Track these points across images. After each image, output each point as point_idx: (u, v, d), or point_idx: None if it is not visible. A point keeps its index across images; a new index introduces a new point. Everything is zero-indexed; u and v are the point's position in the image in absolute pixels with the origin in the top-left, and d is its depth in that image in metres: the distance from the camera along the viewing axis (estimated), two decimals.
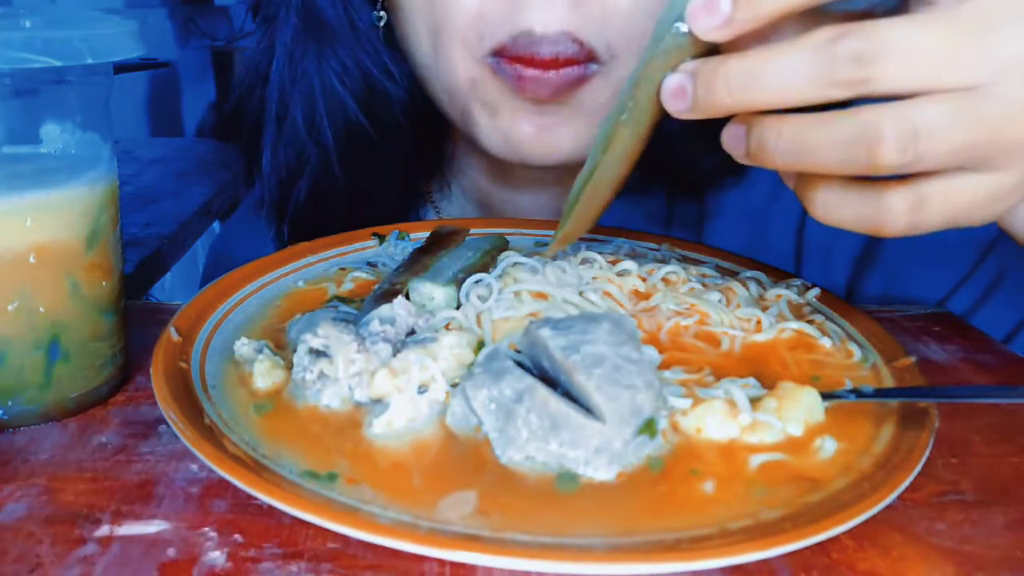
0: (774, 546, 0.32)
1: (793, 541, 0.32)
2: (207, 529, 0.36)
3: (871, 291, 0.70)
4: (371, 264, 0.60)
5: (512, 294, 0.50)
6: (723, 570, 0.34)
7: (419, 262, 0.55)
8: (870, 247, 0.70)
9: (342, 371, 0.42)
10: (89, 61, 0.40)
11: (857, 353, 0.49)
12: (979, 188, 0.37)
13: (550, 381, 0.40)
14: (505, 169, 0.73)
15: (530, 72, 0.57)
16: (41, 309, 0.43)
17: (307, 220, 0.72)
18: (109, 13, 0.51)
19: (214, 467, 0.35)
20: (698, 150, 0.67)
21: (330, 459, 0.38)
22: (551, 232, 0.66)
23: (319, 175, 0.71)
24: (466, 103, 0.62)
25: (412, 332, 0.47)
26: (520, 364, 0.41)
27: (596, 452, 0.37)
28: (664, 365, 0.46)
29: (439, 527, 0.34)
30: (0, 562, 0.34)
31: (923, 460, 0.38)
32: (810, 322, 0.52)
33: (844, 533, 0.34)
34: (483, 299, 0.50)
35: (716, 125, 0.41)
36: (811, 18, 0.37)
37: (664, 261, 0.59)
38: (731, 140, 0.40)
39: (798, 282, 0.58)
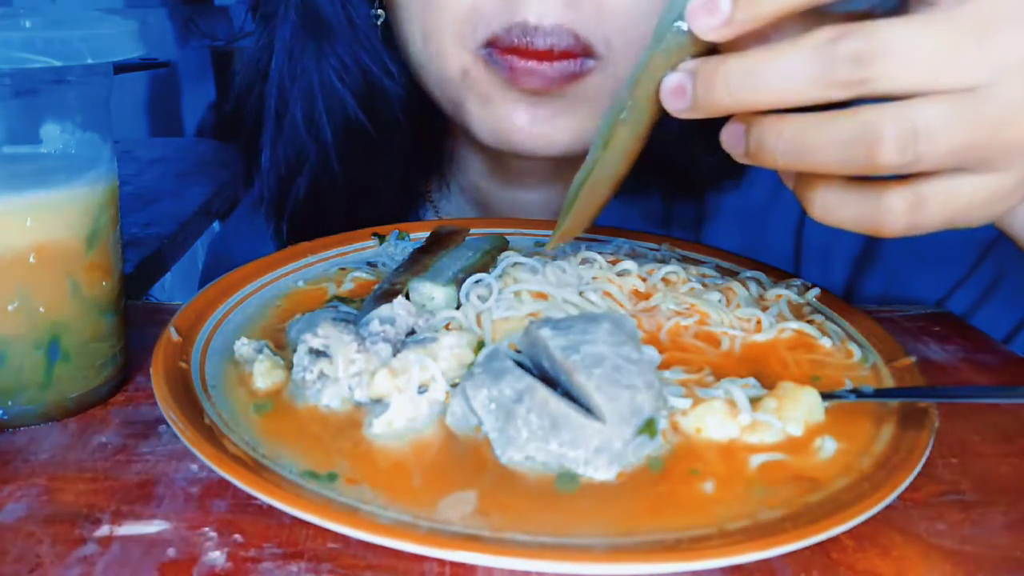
0: (774, 546, 0.32)
1: (793, 541, 0.32)
2: (207, 529, 0.36)
3: (870, 291, 0.70)
4: (371, 264, 0.60)
5: (512, 294, 0.50)
6: (723, 570, 0.34)
7: (419, 262, 0.55)
8: (869, 248, 0.70)
9: (342, 371, 0.42)
10: (89, 61, 0.40)
11: (857, 353, 0.49)
12: (978, 189, 0.37)
13: (550, 381, 0.40)
14: (504, 166, 0.73)
15: (523, 64, 0.57)
16: (41, 309, 0.43)
17: (306, 218, 0.72)
18: (109, 13, 0.51)
19: (214, 467, 0.35)
20: (697, 151, 0.67)
21: (330, 459, 0.38)
22: (551, 232, 0.67)
23: (318, 172, 0.71)
24: (458, 94, 0.62)
25: (412, 332, 0.47)
26: (520, 364, 0.41)
27: (596, 452, 0.37)
28: (664, 365, 0.46)
29: (439, 527, 0.34)
30: (0, 562, 0.34)
31: (923, 460, 0.38)
32: (810, 322, 0.52)
33: (844, 533, 0.34)
34: (483, 299, 0.50)
35: (715, 125, 0.41)
36: (811, 18, 0.37)
37: (664, 261, 0.59)
38: (730, 139, 0.40)
39: (798, 282, 0.58)
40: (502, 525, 0.34)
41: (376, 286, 0.53)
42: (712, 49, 0.39)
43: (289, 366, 0.44)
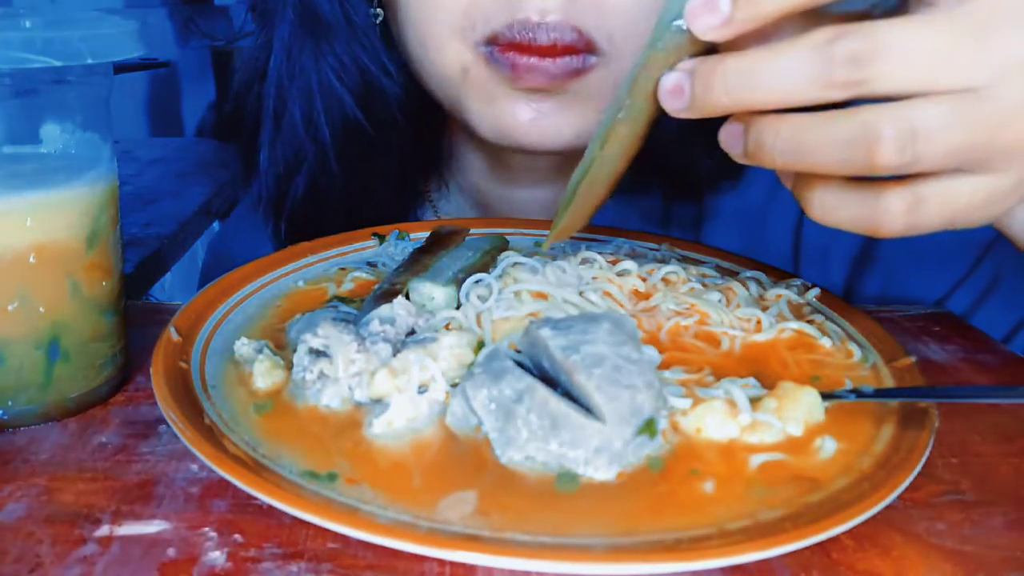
0: (774, 546, 0.32)
1: (793, 541, 0.32)
2: (207, 529, 0.36)
3: (869, 292, 0.70)
4: (371, 264, 0.60)
5: (512, 294, 0.50)
6: (723, 570, 0.34)
7: (419, 262, 0.55)
8: (868, 248, 0.70)
9: (342, 371, 0.42)
10: (89, 61, 0.40)
11: (857, 353, 0.49)
12: (977, 189, 0.37)
13: (550, 381, 0.40)
14: (504, 164, 0.73)
15: (525, 60, 0.57)
16: (41, 309, 0.43)
17: (304, 218, 0.72)
18: (109, 13, 0.51)
19: (214, 467, 0.35)
20: (696, 151, 0.67)
21: (330, 459, 0.38)
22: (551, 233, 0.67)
23: (316, 172, 0.71)
24: (458, 92, 0.62)
25: (412, 332, 0.47)
26: (520, 364, 0.41)
27: (596, 452, 0.37)
28: (664, 365, 0.46)
29: (439, 527, 0.34)
30: (0, 562, 0.34)
31: (923, 460, 0.38)
32: (810, 322, 0.52)
33: (844, 533, 0.34)
34: (483, 299, 0.50)
35: (713, 126, 0.41)
36: (810, 18, 0.37)
37: (664, 261, 0.59)
38: (729, 139, 0.40)
39: (798, 282, 0.58)
40: (502, 525, 0.34)
41: (376, 286, 0.53)
42: (711, 48, 0.39)
43: (289, 366, 0.44)
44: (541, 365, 0.41)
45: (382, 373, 0.42)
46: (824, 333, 0.51)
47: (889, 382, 0.47)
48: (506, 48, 0.57)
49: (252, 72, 0.71)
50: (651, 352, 0.46)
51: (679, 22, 0.38)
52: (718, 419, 0.40)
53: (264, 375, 0.44)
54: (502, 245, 0.59)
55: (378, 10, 0.67)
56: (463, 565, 0.34)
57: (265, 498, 0.34)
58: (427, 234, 0.61)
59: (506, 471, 0.38)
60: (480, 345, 0.46)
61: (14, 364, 0.43)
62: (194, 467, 0.40)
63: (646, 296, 0.53)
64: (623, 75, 0.43)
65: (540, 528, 0.34)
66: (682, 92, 0.39)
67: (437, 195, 0.81)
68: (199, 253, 1.27)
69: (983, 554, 0.36)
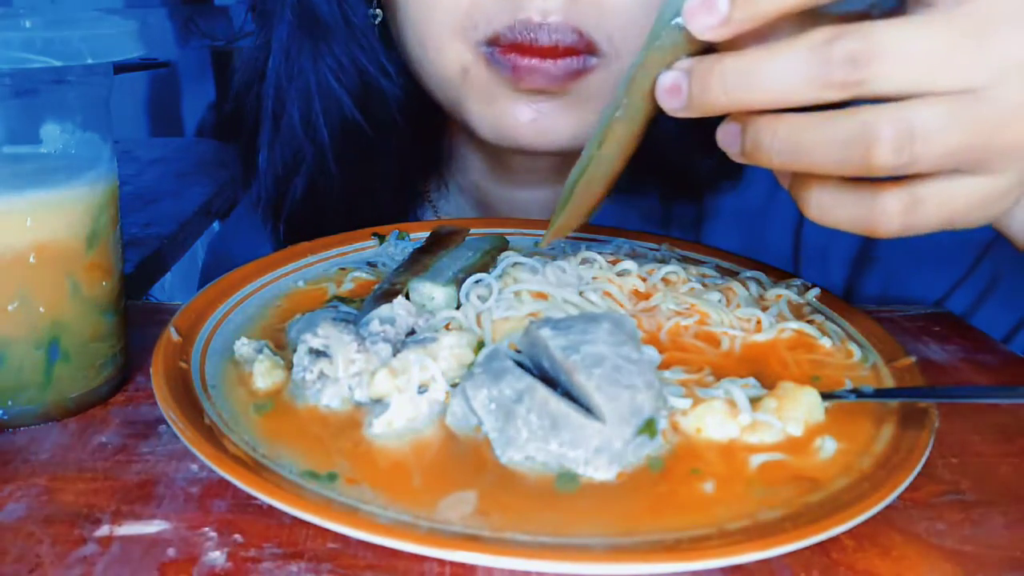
0: (774, 546, 0.32)
1: (793, 541, 0.32)
2: (207, 529, 0.36)
3: (869, 292, 0.70)
4: (371, 264, 0.60)
5: (512, 294, 0.50)
6: (723, 570, 0.34)
7: (419, 262, 0.55)
8: (867, 248, 0.70)
9: (342, 371, 0.42)
10: (89, 61, 0.40)
11: (857, 353, 0.49)
12: (974, 191, 0.37)
13: (550, 381, 0.40)
14: (504, 165, 0.73)
15: (526, 62, 0.57)
16: (41, 309, 0.43)
17: (303, 218, 0.72)
18: (109, 13, 0.51)
19: (214, 467, 0.35)
20: (695, 152, 0.67)
21: (330, 459, 0.38)
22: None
23: (315, 173, 0.71)
24: (458, 93, 0.62)
25: (412, 332, 0.47)
26: (520, 364, 0.41)
27: (596, 452, 0.37)
28: (664, 365, 0.46)
29: (439, 527, 0.34)
30: (0, 562, 0.34)
31: (923, 460, 0.38)
32: (810, 322, 0.52)
33: (844, 533, 0.34)
34: (483, 299, 0.50)
35: (712, 126, 0.41)
36: (809, 19, 0.37)
37: (664, 261, 0.59)
38: (726, 138, 0.40)
39: (798, 282, 0.58)
40: (502, 525, 0.34)
41: (376, 286, 0.53)
42: (709, 47, 0.39)
43: (289, 366, 0.44)
44: (541, 365, 0.41)
45: (382, 373, 0.42)
46: (824, 333, 0.51)
47: (889, 382, 0.47)
48: (507, 49, 0.57)
49: (251, 73, 0.71)
50: (651, 352, 0.46)
51: (677, 20, 0.38)
52: (718, 419, 0.40)
53: (264, 375, 0.44)
54: (502, 245, 0.59)
55: (377, 10, 0.67)
56: (463, 565, 0.34)
57: (265, 498, 0.34)
58: (427, 234, 0.61)
59: (506, 471, 0.38)
60: (480, 345, 0.46)
61: (14, 364, 0.43)
62: (194, 467, 0.40)
63: (646, 296, 0.53)
64: (623, 76, 0.43)
65: (540, 528, 0.34)
66: (679, 91, 0.39)
67: (437, 195, 0.81)
68: (199, 253, 1.27)
69: (983, 554, 0.36)
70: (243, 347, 0.46)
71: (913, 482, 0.37)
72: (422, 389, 0.42)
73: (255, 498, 0.34)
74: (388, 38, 0.68)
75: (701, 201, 0.75)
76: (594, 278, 0.53)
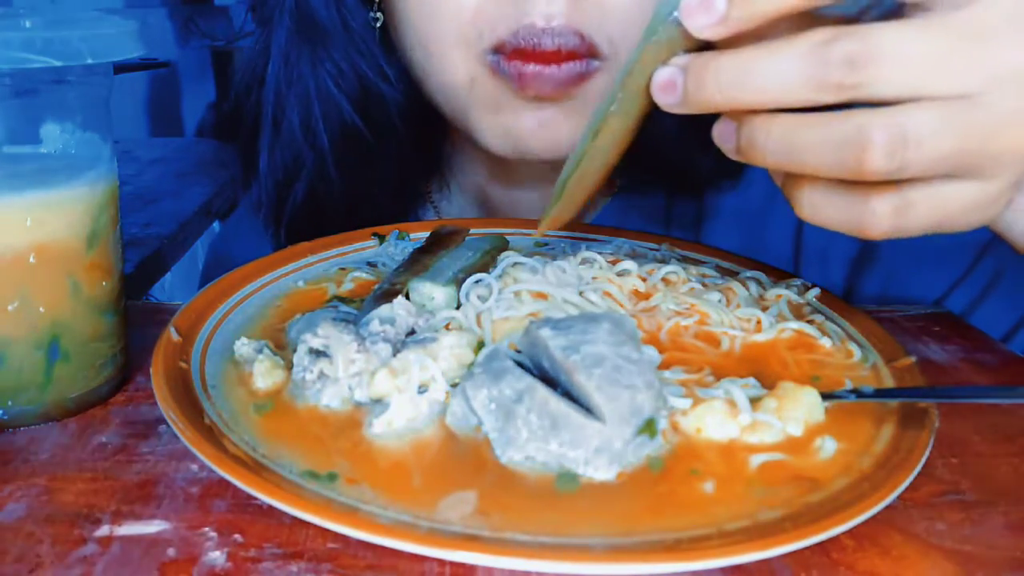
0: (774, 546, 0.32)
1: (793, 541, 0.32)
2: (207, 529, 0.36)
3: (869, 291, 0.70)
4: (371, 264, 0.60)
5: (512, 294, 0.50)
6: (723, 570, 0.34)
7: (419, 262, 0.55)
8: (867, 248, 0.70)
9: (342, 371, 0.42)
10: (89, 61, 0.40)
11: (857, 353, 0.49)
12: (965, 195, 0.37)
13: (550, 381, 0.40)
14: (505, 167, 0.73)
15: (531, 68, 0.57)
16: (41, 309, 0.43)
17: (304, 223, 0.72)
18: (109, 13, 0.51)
19: (214, 467, 0.35)
20: (695, 150, 0.67)
21: (330, 459, 0.38)
22: (551, 232, 0.67)
23: (315, 178, 0.71)
24: (464, 102, 0.62)
25: (412, 332, 0.47)
26: (520, 364, 0.41)
27: (596, 452, 0.37)
28: (664, 365, 0.46)
29: (439, 527, 0.34)
30: (0, 562, 0.34)
31: (923, 460, 0.38)
32: (810, 322, 0.52)
33: (844, 533, 0.34)
34: (483, 299, 0.50)
35: (712, 125, 0.41)
36: (807, 21, 0.37)
37: (664, 261, 0.59)
38: (721, 135, 0.40)
39: (798, 282, 0.58)
40: (502, 525, 0.34)
41: (376, 286, 0.53)
42: (705, 44, 0.39)
43: (289, 366, 0.44)
44: (541, 365, 0.41)
45: (382, 373, 0.42)
46: (824, 333, 0.51)
47: (889, 382, 0.47)
48: (512, 56, 0.57)
49: (250, 77, 0.71)
50: (651, 352, 0.46)
51: (675, 15, 0.38)
52: (718, 419, 0.40)
53: (264, 375, 0.44)
54: (502, 245, 0.59)
55: (377, 14, 0.67)
56: (463, 565, 0.34)
57: (265, 498, 0.34)
58: (427, 234, 0.61)
59: (506, 471, 0.38)
60: (480, 345, 0.46)
61: (14, 364, 0.43)
62: (194, 467, 0.40)
63: (646, 296, 0.53)
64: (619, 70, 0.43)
65: (540, 528, 0.34)
66: (674, 87, 0.39)
67: (439, 196, 0.81)
68: (199, 253, 1.27)
69: (983, 554, 0.36)
70: (243, 347, 0.46)
71: (913, 482, 0.37)
72: (422, 389, 0.42)
73: (255, 498, 0.34)
74: (388, 42, 0.68)
75: (701, 199, 0.75)
76: (594, 278, 0.53)
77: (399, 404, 0.41)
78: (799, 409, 0.41)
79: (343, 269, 0.59)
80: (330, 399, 0.42)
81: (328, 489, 0.36)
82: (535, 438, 0.38)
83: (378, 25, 0.68)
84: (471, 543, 0.32)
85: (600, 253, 0.56)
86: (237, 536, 0.35)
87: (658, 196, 0.76)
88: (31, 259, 0.42)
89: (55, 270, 0.43)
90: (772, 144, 0.37)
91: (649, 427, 0.39)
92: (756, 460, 0.39)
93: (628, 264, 0.55)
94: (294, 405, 0.42)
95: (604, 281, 0.53)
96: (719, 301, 0.53)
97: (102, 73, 0.45)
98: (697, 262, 0.62)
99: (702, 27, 0.37)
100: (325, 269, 0.59)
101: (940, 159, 0.35)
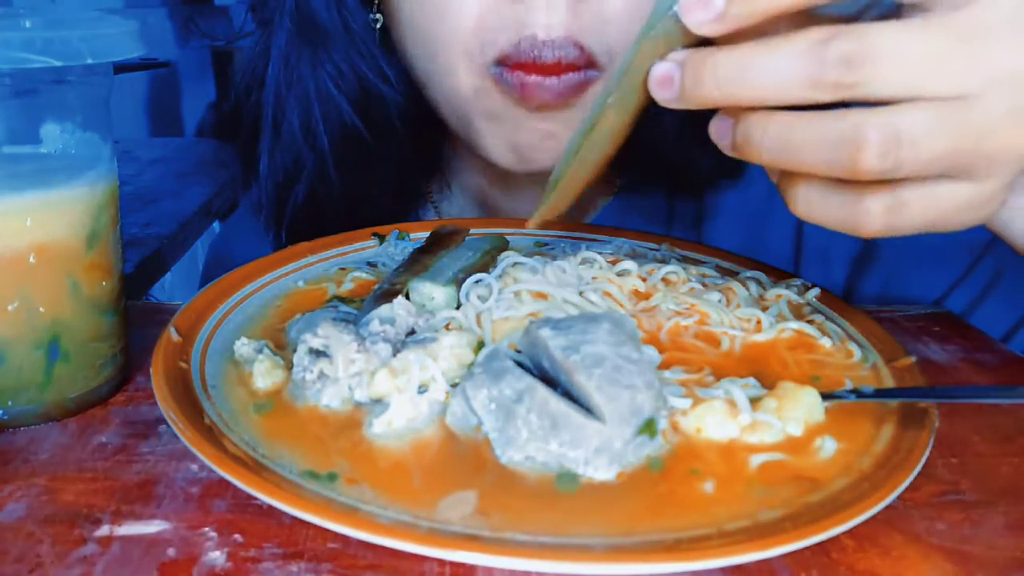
0: (774, 546, 0.32)
1: (793, 541, 0.32)
2: (207, 529, 0.36)
3: (869, 291, 0.70)
4: (371, 264, 0.60)
5: (512, 294, 0.50)
6: (723, 570, 0.34)
7: (419, 262, 0.55)
8: (868, 247, 0.70)
9: (342, 371, 0.42)
10: (89, 61, 0.40)
11: (857, 353, 0.49)
12: (958, 195, 0.37)
13: (550, 381, 0.40)
14: (505, 170, 0.73)
15: (533, 79, 0.57)
16: (41, 309, 0.43)
17: (304, 225, 0.72)
18: (109, 13, 0.51)
19: (214, 467, 0.35)
20: (696, 150, 0.67)
21: (330, 459, 0.38)
22: (551, 232, 0.67)
23: (315, 180, 0.71)
24: (467, 112, 0.62)
25: (412, 332, 0.47)
26: (520, 364, 0.41)
27: (596, 452, 0.37)
28: (664, 365, 0.46)
29: (439, 527, 0.34)
30: (0, 562, 0.34)
31: (923, 460, 0.38)
32: (810, 322, 0.52)
33: (844, 533, 0.34)
34: (483, 299, 0.50)
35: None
36: (805, 20, 0.37)
37: (664, 261, 0.59)
38: (718, 131, 0.40)
39: (798, 282, 0.58)
40: (502, 525, 0.34)
41: (376, 286, 0.53)
42: (704, 40, 0.39)
43: (289, 366, 0.44)
44: (541, 365, 0.41)
45: (382, 373, 0.42)
46: (824, 333, 0.51)
47: (889, 382, 0.47)
48: (514, 67, 0.57)
49: (250, 78, 0.71)
50: (651, 352, 0.46)
51: (674, 10, 0.38)
52: (718, 419, 0.40)
53: (264, 375, 0.44)
54: (502, 245, 0.59)
55: (378, 15, 0.67)
56: (463, 565, 0.34)
57: (265, 498, 0.34)
58: (427, 234, 0.61)
59: (506, 471, 0.38)
60: (480, 345, 0.46)
61: (14, 364, 0.43)
62: (194, 467, 0.40)
63: (646, 296, 0.53)
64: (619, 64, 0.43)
65: (540, 528, 0.34)
66: (671, 82, 0.39)
67: (439, 196, 0.81)
68: (199, 253, 1.27)
69: (983, 554, 0.36)
70: (243, 347, 0.46)
71: (913, 482, 0.37)
72: (422, 389, 0.42)
73: (255, 498, 0.34)
74: (388, 43, 0.68)
75: (702, 199, 0.75)
76: (594, 278, 0.53)
77: (399, 404, 0.41)
78: (799, 409, 0.41)
79: (343, 269, 0.59)
80: (330, 399, 0.42)
81: (328, 489, 0.36)
82: (535, 438, 0.38)
83: (378, 26, 0.68)
84: (471, 543, 0.32)
85: (600, 253, 0.56)
86: (237, 536, 0.35)
87: (658, 196, 0.76)
88: (31, 259, 0.42)
89: (55, 270, 0.43)
90: (768, 141, 0.37)
91: (649, 427, 0.39)
92: (756, 460, 0.39)
93: (628, 264, 0.55)
94: (294, 405, 0.42)
95: (604, 281, 0.53)
96: (719, 301, 0.53)
97: (102, 73, 0.45)
98: (697, 262, 0.62)
99: (700, 23, 0.37)
100: (325, 269, 0.59)
101: (934, 159, 0.35)
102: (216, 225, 1.24)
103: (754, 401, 0.42)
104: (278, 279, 0.57)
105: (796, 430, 0.41)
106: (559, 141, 0.61)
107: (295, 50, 0.68)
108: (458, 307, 0.50)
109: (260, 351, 0.45)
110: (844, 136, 0.35)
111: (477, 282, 0.51)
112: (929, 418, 0.41)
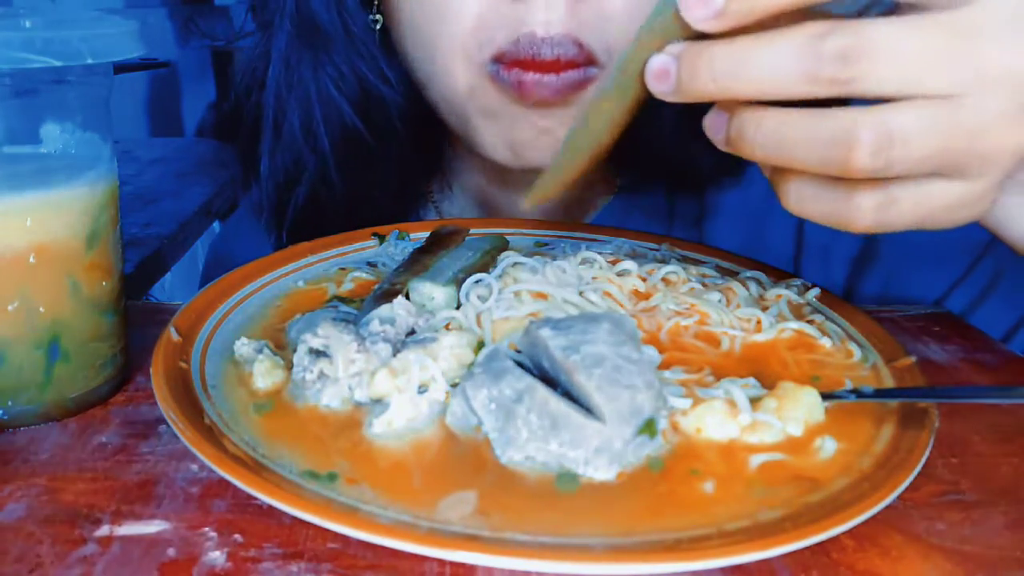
0: (774, 546, 0.32)
1: (793, 541, 0.32)
2: (207, 529, 0.36)
3: (869, 291, 0.70)
4: (371, 264, 0.60)
5: (512, 294, 0.50)
6: (723, 570, 0.34)
7: (419, 262, 0.55)
8: (868, 247, 0.70)
9: (342, 371, 0.42)
10: (89, 61, 0.40)
11: (857, 353, 0.49)
12: (949, 193, 0.37)
13: (550, 381, 0.40)
14: (503, 170, 0.73)
15: (530, 76, 0.57)
16: (41, 309, 0.43)
17: (305, 226, 0.72)
18: (109, 13, 0.51)
19: (214, 467, 0.35)
20: (696, 149, 0.67)
21: (330, 459, 0.38)
22: (551, 232, 0.67)
23: (316, 181, 0.71)
24: (464, 111, 0.62)
25: (412, 332, 0.47)
26: (520, 364, 0.41)
27: (596, 452, 0.37)
28: (664, 365, 0.46)
29: (439, 527, 0.34)
30: (0, 562, 0.34)
31: (923, 460, 0.38)
32: (810, 322, 0.52)
33: (844, 533, 0.34)
34: (483, 299, 0.50)
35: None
36: (804, 19, 0.37)
37: (664, 261, 0.59)
38: (712, 125, 0.40)
39: (798, 282, 0.58)
40: (502, 525, 0.34)
41: (376, 286, 0.53)
42: (702, 34, 0.39)
43: (289, 366, 0.44)
44: (541, 365, 0.41)
45: (382, 373, 0.42)
46: (824, 333, 0.51)
47: (889, 382, 0.47)
48: (512, 65, 0.57)
49: (251, 80, 0.71)
50: (651, 352, 0.46)
51: (674, 4, 0.38)
52: (718, 419, 0.40)
53: (264, 375, 0.44)
54: (502, 245, 0.59)
55: (377, 16, 0.67)
56: (463, 565, 0.34)
57: (265, 498, 0.34)
58: (427, 234, 0.61)
59: (506, 471, 0.38)
60: (480, 345, 0.46)
61: (14, 364, 0.43)
62: (194, 467, 0.40)
63: (646, 296, 0.53)
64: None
65: (540, 528, 0.34)
66: (668, 76, 0.39)
67: (440, 196, 0.81)
68: (199, 253, 1.27)
69: (983, 554, 0.36)
70: (243, 347, 0.46)
71: (913, 482, 0.37)
72: (422, 389, 0.42)
73: (255, 498, 0.34)
74: (388, 43, 0.68)
75: (703, 198, 0.75)
76: (594, 278, 0.53)
77: (399, 404, 0.41)
78: (799, 409, 0.41)
79: (343, 269, 0.59)
80: (330, 399, 0.42)
81: (328, 489, 0.36)
82: (535, 438, 0.38)
83: (378, 27, 0.68)
84: (471, 543, 0.32)
85: (600, 253, 0.56)
86: (237, 536, 0.35)
87: (659, 195, 0.76)
88: (31, 259, 0.42)
89: (55, 270, 0.43)
90: (762, 137, 0.37)
91: (649, 427, 0.39)
92: (756, 460, 0.39)
93: (628, 264, 0.55)
94: (294, 405, 0.42)
95: (604, 281, 0.53)
96: (719, 301, 0.53)
97: (102, 73, 0.45)
98: (697, 262, 0.62)
99: (700, 19, 0.37)
100: (325, 269, 0.59)
101: (926, 158, 0.35)
102: (216, 225, 1.24)
103: (754, 401, 0.42)
104: (278, 279, 0.57)
105: (796, 430, 0.41)
106: (556, 138, 0.61)
107: (295, 52, 0.68)
108: (458, 307, 0.50)
109: (260, 351, 0.45)
110: (837, 134, 0.35)
111: (477, 282, 0.51)
112: (929, 418, 0.41)
